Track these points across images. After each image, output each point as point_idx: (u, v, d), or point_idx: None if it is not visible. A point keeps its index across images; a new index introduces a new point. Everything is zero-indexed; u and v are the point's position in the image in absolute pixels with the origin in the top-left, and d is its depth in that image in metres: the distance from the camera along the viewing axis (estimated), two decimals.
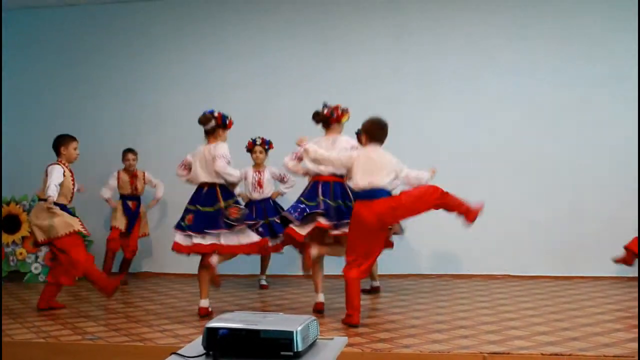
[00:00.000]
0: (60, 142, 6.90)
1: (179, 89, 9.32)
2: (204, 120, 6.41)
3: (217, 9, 9.31)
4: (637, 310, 6.32)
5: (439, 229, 8.49)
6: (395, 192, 6.16)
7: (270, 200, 8.04)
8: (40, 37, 9.70)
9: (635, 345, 5.04)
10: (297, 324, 2.71)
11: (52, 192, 6.51)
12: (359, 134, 6.58)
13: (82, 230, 6.74)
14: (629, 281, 7.84)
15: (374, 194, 5.76)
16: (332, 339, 2.97)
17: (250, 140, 8.08)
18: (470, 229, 8.38)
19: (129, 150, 8.73)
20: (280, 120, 8.77)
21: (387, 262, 8.11)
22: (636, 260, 7.24)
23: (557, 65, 8.45)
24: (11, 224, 8.72)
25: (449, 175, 8.40)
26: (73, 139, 6.95)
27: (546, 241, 8.35)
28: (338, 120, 6.52)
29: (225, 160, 6.34)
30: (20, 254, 8.66)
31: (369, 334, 5.52)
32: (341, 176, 6.45)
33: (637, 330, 5.51)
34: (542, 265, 8.37)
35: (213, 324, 2.75)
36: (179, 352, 2.77)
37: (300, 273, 6.92)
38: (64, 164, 6.83)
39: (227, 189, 6.46)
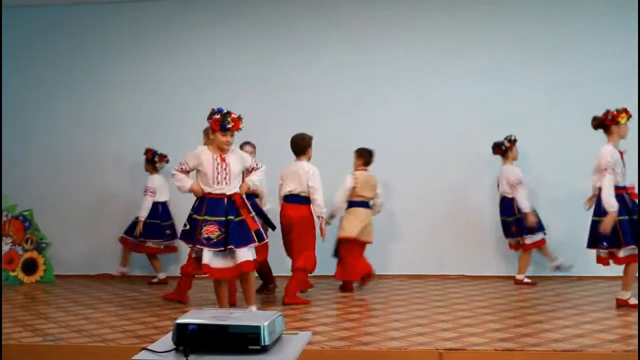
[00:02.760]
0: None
1: (169, 88, 9.26)
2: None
3: (202, 9, 9.28)
4: (585, 307, 6.59)
5: (394, 231, 8.71)
6: None
7: None
8: (21, 37, 9.54)
9: (582, 340, 5.28)
10: (264, 319, 2.84)
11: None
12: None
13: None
14: (578, 280, 8.13)
15: (296, 199, 7.09)
16: (296, 333, 3.10)
17: None
18: (426, 231, 8.69)
19: (248, 143, 7.81)
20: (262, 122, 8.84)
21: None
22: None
23: (521, 71, 8.69)
24: None
25: (413, 177, 8.65)
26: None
27: (498, 243, 8.56)
28: (614, 122, 6.47)
29: (178, 166, 6.18)
30: None
31: (328, 333, 5.65)
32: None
33: (585, 326, 5.76)
34: (495, 266, 8.60)
35: (183, 319, 2.85)
36: (149, 347, 2.87)
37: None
38: None
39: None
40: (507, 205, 8.18)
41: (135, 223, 8.52)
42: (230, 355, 2.76)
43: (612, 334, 5.47)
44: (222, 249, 5.92)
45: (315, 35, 9.11)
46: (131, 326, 6.09)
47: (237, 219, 6.00)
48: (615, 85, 8.26)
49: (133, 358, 2.80)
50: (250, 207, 6.19)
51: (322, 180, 7.17)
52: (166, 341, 2.92)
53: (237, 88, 8.99)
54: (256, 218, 6.23)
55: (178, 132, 8.75)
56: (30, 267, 8.86)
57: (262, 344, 2.77)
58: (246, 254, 5.98)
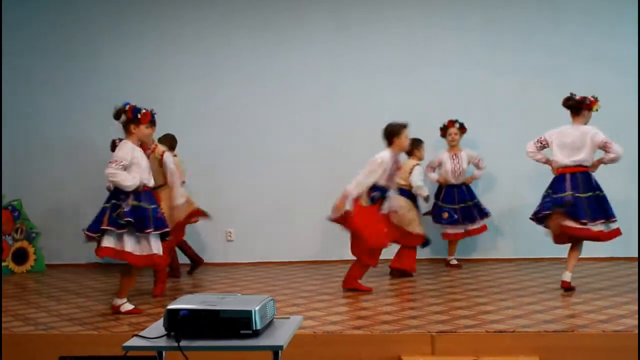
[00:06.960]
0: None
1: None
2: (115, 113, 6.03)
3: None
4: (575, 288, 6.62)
5: None
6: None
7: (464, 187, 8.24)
8: None
9: (573, 320, 5.32)
10: (255, 304, 2.83)
11: None
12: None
13: None
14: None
15: None
16: (288, 317, 3.10)
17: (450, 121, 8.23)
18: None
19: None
20: (222, 111, 8.83)
21: (337, 249, 8.26)
22: None
23: (493, 55, 8.69)
24: None
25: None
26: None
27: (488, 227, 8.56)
28: (589, 108, 6.57)
29: (117, 165, 5.86)
30: None
31: (320, 317, 5.66)
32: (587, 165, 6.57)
33: (575, 307, 5.79)
34: (484, 249, 8.61)
35: (174, 305, 2.84)
36: (140, 333, 2.87)
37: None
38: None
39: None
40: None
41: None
42: (221, 340, 2.76)
43: (603, 314, 5.51)
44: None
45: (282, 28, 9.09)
46: (122, 313, 6.08)
47: None
48: (596, 70, 8.35)
49: (124, 344, 2.80)
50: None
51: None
52: (157, 327, 2.92)
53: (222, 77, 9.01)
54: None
55: (168, 122, 8.64)
56: (20, 256, 8.83)
57: (254, 328, 2.77)
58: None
